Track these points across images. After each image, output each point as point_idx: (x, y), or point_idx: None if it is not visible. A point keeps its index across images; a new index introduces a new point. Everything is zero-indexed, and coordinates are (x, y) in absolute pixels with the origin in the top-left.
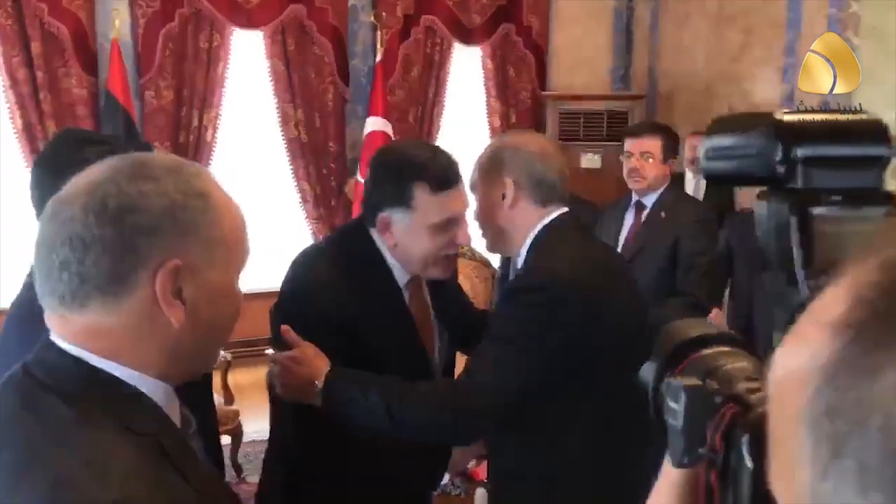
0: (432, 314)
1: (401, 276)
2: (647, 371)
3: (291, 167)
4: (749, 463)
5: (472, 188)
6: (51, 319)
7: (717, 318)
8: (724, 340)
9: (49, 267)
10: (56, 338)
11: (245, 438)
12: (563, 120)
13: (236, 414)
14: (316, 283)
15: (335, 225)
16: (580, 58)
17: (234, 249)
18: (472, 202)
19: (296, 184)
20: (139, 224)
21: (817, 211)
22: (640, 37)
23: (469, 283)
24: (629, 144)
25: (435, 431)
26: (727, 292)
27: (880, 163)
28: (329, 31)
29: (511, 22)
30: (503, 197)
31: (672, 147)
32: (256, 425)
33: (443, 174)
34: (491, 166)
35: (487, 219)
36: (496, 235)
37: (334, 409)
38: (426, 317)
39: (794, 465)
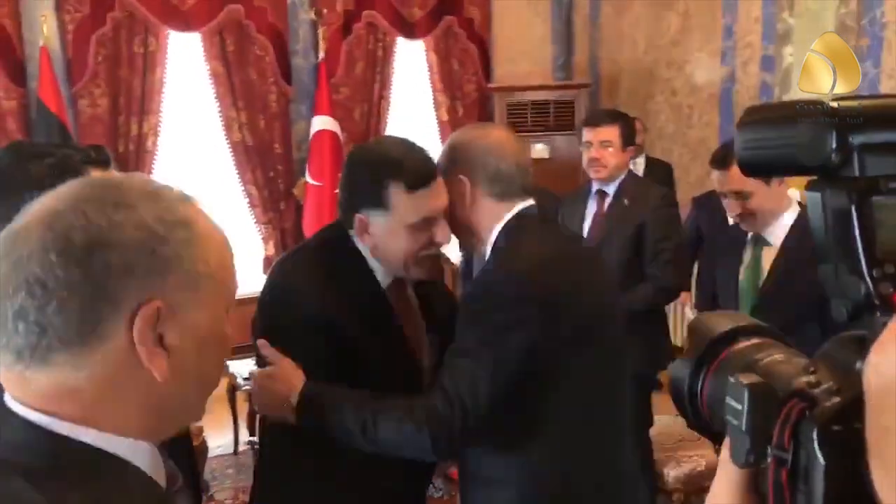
0: (418, 315)
1: (383, 278)
2: (681, 368)
3: (237, 171)
4: (822, 459)
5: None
6: (6, 379)
7: (685, 301)
8: (754, 332)
9: (1, 316)
10: (13, 402)
11: (209, 454)
12: (510, 111)
13: (200, 430)
14: (298, 286)
15: (285, 228)
16: (522, 48)
17: (222, 286)
18: None
19: (243, 188)
20: (111, 262)
21: (877, 199)
22: (580, 25)
23: None
24: (588, 134)
25: (411, 450)
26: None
27: None
28: (268, 31)
29: (453, 14)
30: (462, 196)
31: (629, 134)
32: (220, 440)
33: (418, 172)
34: (447, 165)
35: (452, 218)
36: (464, 234)
37: (309, 426)
38: (412, 317)
39: None
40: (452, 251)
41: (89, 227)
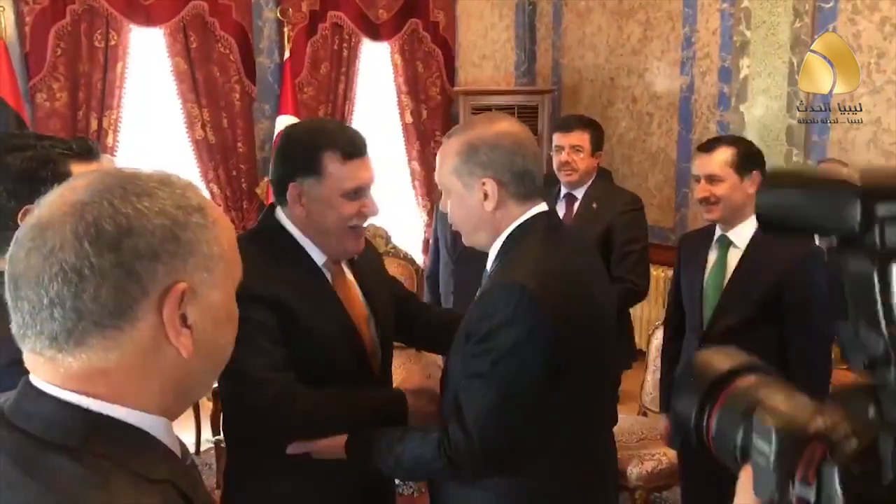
0: (358, 292)
1: (318, 258)
2: (685, 405)
3: (199, 170)
4: (842, 497)
5: (446, 190)
6: (34, 362)
7: None
8: (752, 369)
9: (36, 304)
10: (41, 383)
11: None
12: (475, 115)
13: None
14: (244, 266)
15: (248, 227)
16: (485, 53)
17: (232, 266)
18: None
19: (205, 187)
20: (140, 248)
21: (894, 265)
22: (543, 31)
23: None
24: (559, 139)
25: (435, 475)
26: None
27: None
28: (233, 28)
29: (418, 17)
30: (485, 197)
31: (599, 140)
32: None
33: (352, 143)
34: (467, 166)
35: (466, 221)
36: (475, 234)
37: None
38: (354, 297)
39: None
40: (418, 252)
41: (117, 215)
